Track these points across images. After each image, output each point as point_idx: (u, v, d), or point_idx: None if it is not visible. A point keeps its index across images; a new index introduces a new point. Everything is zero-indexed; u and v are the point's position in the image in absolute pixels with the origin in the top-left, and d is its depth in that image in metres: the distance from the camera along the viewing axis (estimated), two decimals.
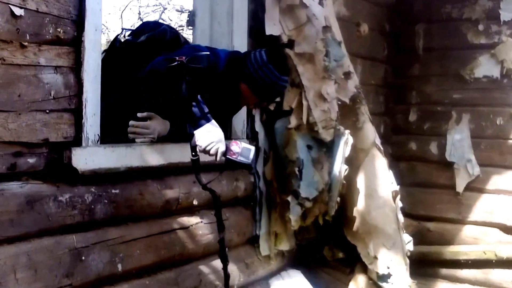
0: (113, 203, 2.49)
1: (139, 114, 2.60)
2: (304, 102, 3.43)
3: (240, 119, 3.31)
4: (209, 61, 2.59)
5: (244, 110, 3.29)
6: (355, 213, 3.65)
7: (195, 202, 2.94)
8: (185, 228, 2.87)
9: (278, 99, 3.36)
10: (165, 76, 2.43)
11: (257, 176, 3.44)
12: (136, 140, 2.63)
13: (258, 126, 3.44)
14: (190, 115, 2.39)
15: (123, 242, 2.53)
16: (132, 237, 2.57)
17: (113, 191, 2.49)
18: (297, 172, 3.39)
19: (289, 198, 3.40)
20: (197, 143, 2.39)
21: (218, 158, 2.45)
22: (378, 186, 3.68)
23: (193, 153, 2.40)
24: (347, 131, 3.52)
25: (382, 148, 3.78)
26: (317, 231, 3.78)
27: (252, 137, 3.41)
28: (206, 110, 2.46)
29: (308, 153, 3.48)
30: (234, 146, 2.46)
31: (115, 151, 2.49)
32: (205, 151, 2.43)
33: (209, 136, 2.42)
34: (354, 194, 3.67)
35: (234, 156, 2.45)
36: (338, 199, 3.54)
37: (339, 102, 3.58)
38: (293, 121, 3.43)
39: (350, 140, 3.52)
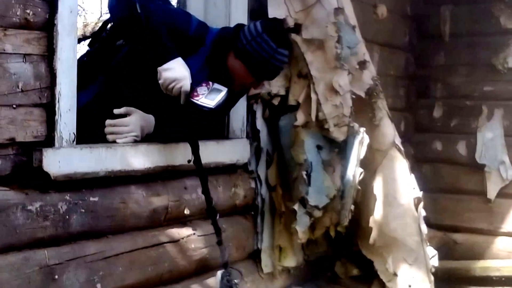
0: (91, 213, 2.47)
1: (115, 111, 2.58)
2: (313, 96, 3.41)
3: (238, 115, 3.30)
4: (189, 25, 2.66)
5: (243, 105, 3.27)
6: (371, 224, 3.64)
7: (186, 211, 2.93)
8: (175, 241, 2.85)
9: (281, 92, 3.34)
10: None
11: (259, 181, 3.43)
12: (117, 140, 2.61)
13: (260, 124, 3.43)
14: (155, 50, 2.45)
15: (103, 258, 2.50)
16: (113, 252, 2.55)
17: (91, 199, 2.47)
18: (304, 177, 3.38)
19: (296, 207, 3.39)
20: (159, 81, 2.45)
21: (182, 100, 2.49)
22: (398, 193, 3.67)
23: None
24: (362, 129, 3.51)
25: (402, 148, 3.76)
26: (328, 244, 3.76)
27: (252, 136, 3.40)
28: (171, 45, 2.50)
29: (317, 154, 3.46)
30: (202, 87, 2.50)
31: (94, 153, 2.47)
32: (167, 90, 2.48)
33: (171, 72, 2.46)
34: (370, 201, 3.66)
35: (196, 98, 2.48)
36: (352, 207, 3.53)
37: (353, 96, 3.57)
38: (300, 118, 3.42)
39: (366, 139, 3.51)
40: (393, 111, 4.12)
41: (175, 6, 3.06)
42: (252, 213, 3.42)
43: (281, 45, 2.74)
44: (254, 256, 3.43)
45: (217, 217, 2.67)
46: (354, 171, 3.49)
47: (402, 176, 3.70)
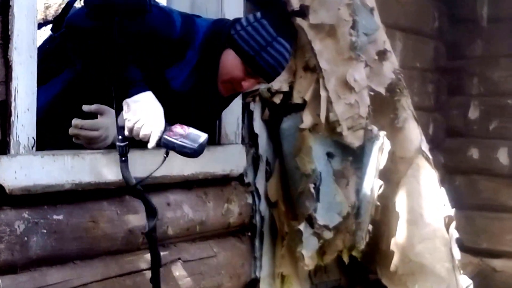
0: (55, 234, 2.46)
1: (85, 107, 2.57)
2: (323, 93, 3.41)
3: (232, 117, 3.30)
4: (172, 28, 2.62)
5: (238, 104, 3.27)
6: (393, 247, 3.64)
7: (170, 232, 2.92)
8: None
9: (284, 88, 3.33)
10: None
11: (257, 196, 3.43)
12: (86, 146, 2.61)
13: (259, 126, 3.43)
14: (119, 80, 2.42)
15: None
16: (81, 282, 2.55)
17: (54, 217, 2.47)
18: (312, 190, 3.38)
19: (302, 227, 3.38)
20: (124, 121, 2.41)
21: (151, 143, 2.43)
22: (425, 210, 3.66)
23: (120, 137, 2.43)
24: (382, 133, 3.51)
25: (430, 156, 3.76)
26: (341, 272, 3.76)
27: (249, 142, 3.41)
28: (141, 76, 2.47)
29: (327, 163, 3.46)
30: (177, 128, 2.44)
31: (58, 161, 2.47)
32: (132, 131, 2.43)
33: (139, 109, 2.41)
34: (391, 220, 3.66)
35: (174, 137, 2.42)
36: (370, 227, 3.53)
37: (372, 93, 3.57)
38: (307, 119, 3.42)
39: (387, 145, 3.51)
40: (420, 111, 4.13)
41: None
42: (249, 234, 3.42)
43: (282, 33, 2.73)
44: (251, 287, 3.42)
45: None
46: (372, 184, 3.49)
47: (431, 190, 3.70)
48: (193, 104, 2.80)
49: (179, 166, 2.88)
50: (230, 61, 2.72)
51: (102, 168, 2.61)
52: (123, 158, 2.45)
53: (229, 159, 3.26)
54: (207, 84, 2.78)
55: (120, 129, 2.44)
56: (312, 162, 3.39)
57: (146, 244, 2.80)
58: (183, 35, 2.68)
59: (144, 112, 2.42)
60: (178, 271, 2.94)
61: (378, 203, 3.54)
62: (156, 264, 2.57)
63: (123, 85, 2.43)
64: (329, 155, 3.46)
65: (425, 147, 3.76)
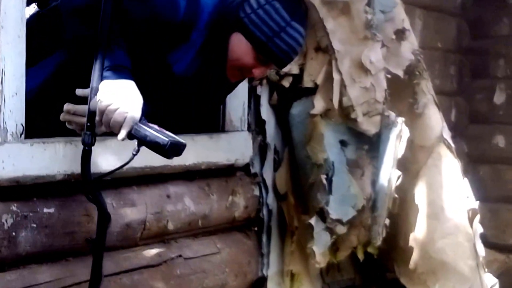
0: (46, 229, 2.46)
1: (78, 91, 2.54)
2: (336, 76, 3.41)
3: (237, 101, 3.30)
4: (176, 10, 2.60)
5: (243, 87, 3.26)
6: (412, 243, 3.64)
7: (170, 227, 2.93)
8: (155, 265, 2.86)
9: (295, 70, 3.32)
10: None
11: (264, 188, 3.44)
12: (79, 133, 2.58)
13: (266, 112, 3.44)
14: (102, 60, 2.38)
15: None
16: (74, 280, 2.55)
17: (45, 210, 2.47)
18: (324, 182, 3.39)
19: (313, 221, 3.39)
20: (97, 103, 2.35)
21: (122, 133, 2.34)
22: (447, 202, 3.66)
23: (89, 123, 2.35)
24: (400, 119, 3.50)
25: (453, 144, 3.76)
26: (355, 269, 3.76)
27: (256, 129, 3.41)
28: (127, 63, 2.43)
29: (341, 152, 3.46)
30: (154, 125, 2.36)
31: (49, 150, 2.47)
32: (103, 114, 2.35)
33: (116, 93, 2.35)
34: (410, 214, 3.66)
35: (148, 126, 2.33)
36: (387, 221, 3.53)
37: (389, 76, 3.56)
38: (318, 105, 3.42)
39: (405, 132, 3.51)
40: (441, 96, 4.12)
41: None
42: (256, 229, 3.43)
43: (296, 17, 2.72)
44: (258, 286, 3.44)
45: None
46: (389, 175, 3.49)
47: (453, 181, 3.70)
48: (196, 89, 2.79)
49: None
50: (240, 46, 2.69)
51: (96, 157, 2.59)
52: (87, 148, 2.37)
53: (234, 147, 3.26)
54: (212, 68, 2.77)
55: (91, 114, 2.36)
56: (324, 151, 3.40)
57: (144, 240, 2.84)
58: (187, 17, 2.66)
59: (121, 96, 2.36)
60: (178, 269, 2.94)
61: (396, 195, 3.53)
62: (95, 281, 2.46)
63: (105, 66, 2.40)
64: (343, 143, 3.46)
65: (447, 134, 3.76)
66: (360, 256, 3.62)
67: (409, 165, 3.62)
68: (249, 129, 3.36)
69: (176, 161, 2.87)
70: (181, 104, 2.75)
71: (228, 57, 2.70)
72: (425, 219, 3.64)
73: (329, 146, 3.41)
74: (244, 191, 3.34)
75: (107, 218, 2.45)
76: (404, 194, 3.61)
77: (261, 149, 3.44)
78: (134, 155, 2.35)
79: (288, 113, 3.47)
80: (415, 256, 3.62)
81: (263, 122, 3.43)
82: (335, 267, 3.66)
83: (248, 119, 3.36)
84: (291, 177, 3.49)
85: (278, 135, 3.49)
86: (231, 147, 3.25)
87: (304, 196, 3.46)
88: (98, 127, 2.36)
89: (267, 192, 3.44)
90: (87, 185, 2.39)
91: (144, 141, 2.32)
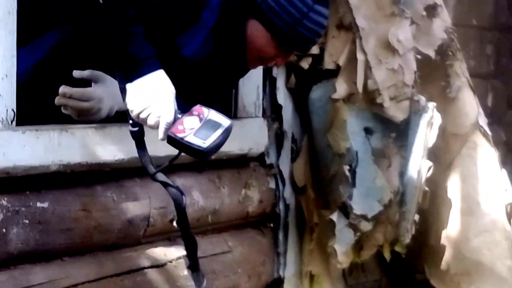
0: (39, 225, 2.46)
1: (75, 73, 2.55)
2: (360, 56, 3.40)
3: (251, 85, 3.30)
4: None
5: (258, 71, 3.25)
6: (444, 241, 3.64)
7: (176, 223, 2.89)
8: (159, 266, 2.86)
9: (315, 50, 3.31)
10: None
11: (281, 180, 3.44)
12: (76, 119, 2.58)
13: (283, 97, 3.43)
14: (122, 56, 2.38)
15: None
16: (70, 282, 2.54)
17: (38, 204, 2.46)
18: (347, 173, 3.39)
19: (334, 217, 3.39)
20: (127, 106, 2.38)
21: (160, 135, 2.39)
22: (483, 196, 3.65)
23: (131, 122, 2.41)
24: (431, 105, 3.49)
25: (489, 132, 3.74)
26: (382, 270, 3.77)
27: (272, 115, 3.41)
28: (151, 52, 2.41)
29: (366, 141, 3.46)
30: (190, 118, 2.35)
31: (42, 138, 2.46)
32: (140, 120, 2.40)
33: (144, 95, 2.37)
34: (442, 209, 3.66)
35: (180, 135, 2.33)
36: (417, 217, 3.53)
37: (419, 56, 3.55)
38: (341, 88, 3.42)
39: (437, 119, 3.50)
40: (477, 78, 4.12)
41: None
42: (271, 225, 3.44)
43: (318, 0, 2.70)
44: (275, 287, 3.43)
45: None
46: (419, 166, 3.48)
47: (489, 173, 3.69)
48: (206, 73, 2.79)
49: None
50: (259, 36, 2.67)
51: (95, 146, 2.60)
52: (139, 144, 2.42)
53: (248, 135, 3.26)
54: (228, 55, 2.75)
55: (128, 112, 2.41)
56: (346, 139, 3.40)
57: (148, 238, 2.83)
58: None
59: (150, 100, 2.37)
60: (185, 269, 2.88)
61: (427, 189, 3.53)
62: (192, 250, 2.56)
63: (127, 64, 2.39)
64: (367, 131, 3.46)
65: (483, 121, 3.75)
66: (387, 255, 3.62)
67: (441, 155, 3.63)
68: (264, 115, 3.37)
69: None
70: (190, 88, 2.73)
71: (247, 46, 2.69)
72: (458, 215, 3.64)
73: (352, 134, 3.41)
74: (259, 183, 3.34)
75: (181, 194, 2.47)
76: (435, 187, 3.61)
77: (278, 138, 3.44)
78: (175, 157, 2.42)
79: (307, 97, 3.47)
80: (447, 255, 3.62)
81: (280, 107, 3.42)
82: (359, 267, 3.66)
83: (263, 104, 3.36)
84: (311, 168, 3.50)
85: (296, 122, 3.50)
86: (244, 135, 3.23)
87: (324, 190, 3.46)
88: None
89: (284, 185, 3.45)
90: (151, 176, 2.45)
91: (179, 150, 2.37)
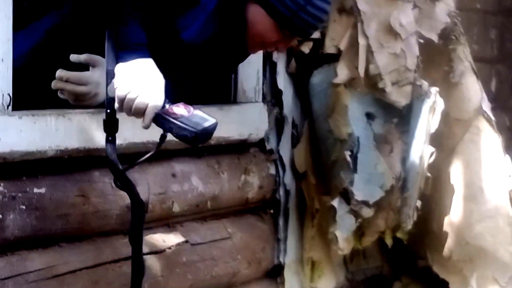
0: (36, 211, 2.46)
1: (73, 57, 2.55)
2: (362, 40, 3.40)
3: (251, 69, 3.30)
4: None
5: (258, 55, 3.23)
6: (446, 227, 3.64)
7: (176, 209, 2.93)
8: (159, 252, 2.86)
9: (316, 34, 3.29)
10: None
11: (281, 166, 3.44)
12: (73, 103, 2.59)
13: (283, 81, 3.43)
14: (117, 38, 2.36)
15: (53, 277, 2.51)
16: (68, 268, 2.56)
17: (35, 190, 2.47)
18: (349, 159, 3.39)
19: (335, 203, 3.39)
20: (114, 86, 2.35)
21: (145, 121, 2.35)
22: (486, 182, 3.65)
23: (109, 110, 2.37)
24: (434, 90, 3.49)
25: (493, 118, 3.74)
26: (383, 257, 3.78)
27: (272, 100, 3.41)
28: (144, 39, 2.41)
29: (367, 126, 3.46)
30: (178, 108, 2.35)
31: (39, 123, 2.47)
32: (123, 103, 2.35)
33: (135, 78, 2.34)
34: (445, 195, 3.66)
35: (173, 116, 2.32)
36: (419, 203, 3.53)
37: (421, 40, 3.55)
38: (342, 73, 3.41)
39: (440, 104, 3.50)
40: (480, 63, 4.10)
41: None
42: (271, 211, 3.44)
43: None
44: (274, 274, 3.45)
45: None
46: (421, 151, 3.48)
47: (493, 158, 3.69)
48: (206, 57, 2.79)
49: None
50: (261, 21, 2.68)
51: (92, 132, 2.60)
52: (110, 137, 2.38)
53: (247, 121, 3.26)
54: (229, 39, 2.76)
55: (110, 100, 2.37)
56: (348, 124, 3.40)
57: (147, 224, 2.79)
58: None
59: (140, 82, 2.35)
60: (185, 256, 2.94)
61: (429, 174, 3.53)
62: (137, 277, 2.45)
63: (119, 46, 2.38)
64: (369, 116, 3.46)
65: (486, 106, 3.74)
66: (388, 242, 3.62)
67: (444, 141, 3.62)
68: (264, 100, 3.36)
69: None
70: (189, 73, 2.74)
71: (248, 31, 2.70)
72: (461, 201, 3.64)
73: (353, 119, 3.41)
74: (259, 169, 3.34)
75: (142, 205, 2.44)
76: (438, 173, 3.61)
77: (278, 123, 3.44)
78: (163, 137, 2.36)
79: (308, 82, 3.47)
80: (449, 242, 3.62)
81: (280, 92, 3.42)
82: (360, 254, 3.67)
83: (263, 89, 3.36)
84: (311, 154, 3.50)
85: (296, 107, 3.50)
86: (244, 120, 3.24)
87: (325, 175, 3.46)
88: (118, 111, 2.37)
89: (284, 171, 3.45)
90: (117, 174, 2.40)
91: (169, 132, 2.33)
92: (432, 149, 3.50)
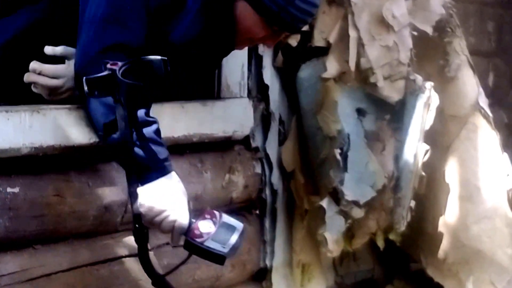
0: (9, 212, 2.47)
1: (47, 50, 2.58)
2: (352, 33, 3.42)
3: (236, 63, 3.31)
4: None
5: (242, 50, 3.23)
6: (441, 229, 3.66)
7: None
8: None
9: (305, 28, 3.28)
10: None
11: (268, 164, 3.45)
12: (47, 98, 2.62)
13: (269, 76, 3.44)
14: (131, 160, 2.39)
15: (27, 280, 2.50)
16: (43, 271, 2.56)
17: (8, 189, 2.46)
18: (338, 157, 3.40)
19: (324, 203, 3.41)
20: (140, 210, 2.41)
21: (175, 240, 2.48)
22: (483, 181, 3.68)
23: (136, 225, 2.43)
24: (428, 84, 3.51)
25: (490, 114, 3.76)
26: (375, 260, 3.80)
27: (258, 95, 3.42)
28: (164, 153, 2.46)
29: (358, 123, 3.48)
30: (204, 222, 2.44)
31: (12, 119, 2.46)
32: (152, 224, 2.45)
33: (159, 199, 2.42)
34: (440, 195, 3.68)
35: (199, 240, 2.41)
36: (413, 203, 3.55)
37: (415, 33, 3.57)
38: (331, 67, 3.43)
39: (435, 100, 3.51)
40: (477, 57, 4.14)
41: None
42: (257, 212, 3.44)
43: None
44: (260, 277, 3.46)
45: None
46: (415, 149, 3.50)
47: (490, 156, 3.71)
48: (193, 54, 2.81)
49: (166, 125, 2.83)
50: (248, 17, 2.69)
51: (69, 128, 2.60)
52: (143, 248, 2.46)
53: (232, 117, 3.27)
54: (214, 34, 2.78)
55: (136, 218, 2.42)
56: (338, 121, 3.41)
57: (126, 225, 2.82)
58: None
59: (166, 203, 2.43)
60: (166, 258, 2.94)
61: (423, 173, 3.55)
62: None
63: (139, 167, 2.40)
64: (360, 112, 3.48)
65: (484, 102, 3.76)
66: (380, 244, 3.64)
67: (439, 138, 3.64)
68: (249, 95, 3.37)
69: (163, 132, 2.83)
70: (175, 71, 2.76)
71: (236, 27, 2.72)
72: (457, 201, 3.66)
73: (343, 115, 3.42)
74: (244, 168, 3.34)
75: None
76: (432, 171, 3.63)
77: (264, 119, 3.45)
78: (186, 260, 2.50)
79: (296, 77, 3.47)
80: (445, 243, 3.64)
81: (266, 87, 3.42)
82: (351, 256, 3.69)
83: (248, 83, 3.36)
84: (300, 152, 3.51)
85: (283, 103, 3.50)
86: (228, 116, 3.25)
87: (314, 174, 3.48)
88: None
89: (271, 170, 3.46)
90: (156, 280, 2.49)
91: (198, 256, 2.45)
92: (427, 147, 3.52)
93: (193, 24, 2.76)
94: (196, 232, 2.41)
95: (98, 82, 2.29)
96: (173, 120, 2.92)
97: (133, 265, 2.84)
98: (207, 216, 2.44)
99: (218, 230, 2.42)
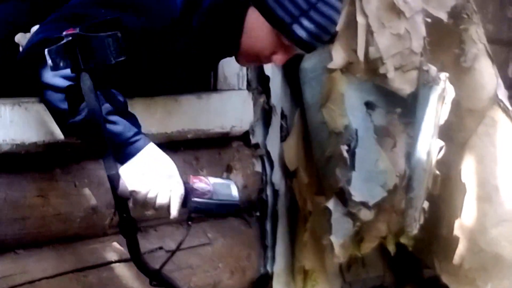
0: None
1: (18, 37, 2.58)
2: (360, 19, 3.42)
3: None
4: (171, 4, 2.60)
5: None
6: (457, 232, 3.66)
7: (148, 211, 2.89)
8: (128, 260, 2.79)
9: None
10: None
11: (269, 162, 3.46)
12: None
13: (270, 67, 3.42)
14: (104, 139, 2.37)
15: None
16: (26, 278, 2.56)
17: None
18: (345, 155, 3.41)
19: (330, 204, 3.41)
20: (128, 191, 2.39)
21: (173, 213, 2.47)
22: (502, 181, 3.67)
23: (122, 213, 2.42)
24: (443, 75, 3.50)
25: (510, 107, 3.76)
26: (385, 265, 3.80)
27: (258, 87, 3.42)
28: (136, 124, 2.45)
29: (367, 117, 3.49)
30: (197, 184, 2.47)
31: None
32: (145, 205, 2.45)
33: (146, 174, 2.41)
34: (455, 195, 3.68)
35: (206, 198, 2.46)
36: (426, 204, 3.55)
37: (428, 20, 3.56)
38: (338, 57, 3.43)
39: (450, 92, 3.51)
40: (496, 46, 4.12)
41: None
42: (258, 214, 3.46)
43: None
44: (261, 285, 3.47)
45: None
46: (429, 146, 3.50)
47: (510, 154, 3.71)
48: (191, 50, 2.79)
49: (159, 120, 2.88)
50: (258, 27, 2.67)
51: (53, 124, 2.57)
52: (133, 241, 2.47)
53: (230, 111, 3.27)
54: (217, 37, 2.76)
55: (122, 204, 2.41)
56: (344, 115, 3.42)
57: (115, 228, 2.81)
58: (187, 6, 2.66)
59: (153, 176, 2.42)
60: (159, 264, 2.86)
61: (438, 172, 3.55)
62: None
63: (113, 147, 2.39)
64: (369, 106, 3.48)
65: (503, 94, 3.76)
66: (391, 248, 3.65)
67: (454, 134, 3.64)
68: (248, 87, 3.38)
69: (156, 128, 2.89)
70: (167, 64, 2.75)
71: (242, 38, 2.69)
72: (474, 202, 3.66)
73: (351, 109, 3.43)
74: (243, 166, 3.36)
75: None
76: (447, 170, 3.63)
77: (265, 114, 3.46)
78: (189, 226, 2.54)
79: (299, 67, 3.48)
80: (461, 248, 3.65)
81: (267, 79, 3.43)
82: (359, 262, 3.70)
83: (247, 75, 3.37)
84: (303, 149, 3.52)
85: (286, 96, 3.51)
86: (226, 110, 3.25)
87: (319, 173, 3.48)
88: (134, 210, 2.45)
89: (272, 168, 3.47)
90: (152, 273, 2.54)
91: (210, 213, 2.56)
92: (441, 143, 3.52)
93: (194, 39, 2.76)
94: (198, 192, 2.46)
95: (61, 50, 2.26)
96: (166, 115, 2.92)
97: (124, 271, 2.86)
98: (195, 180, 2.48)
99: (215, 188, 2.48)
